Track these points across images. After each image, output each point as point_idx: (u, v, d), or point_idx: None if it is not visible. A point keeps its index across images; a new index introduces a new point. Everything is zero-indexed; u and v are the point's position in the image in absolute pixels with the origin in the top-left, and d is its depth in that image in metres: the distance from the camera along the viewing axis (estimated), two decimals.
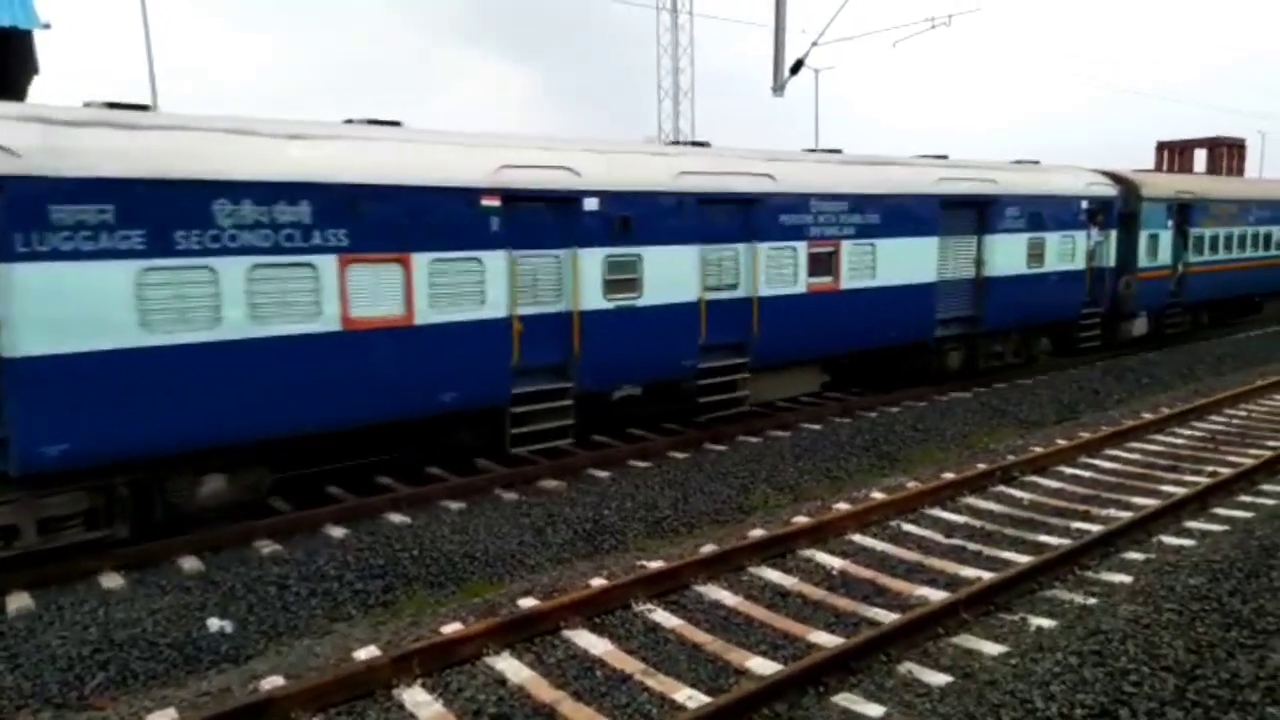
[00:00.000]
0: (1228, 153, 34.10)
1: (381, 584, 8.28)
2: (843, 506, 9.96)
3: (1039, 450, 12.11)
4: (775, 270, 13.15)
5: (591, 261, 11.15)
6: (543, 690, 6.17)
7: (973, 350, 16.85)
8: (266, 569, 8.41)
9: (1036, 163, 18.59)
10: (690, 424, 13.53)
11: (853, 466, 12.11)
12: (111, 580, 8.17)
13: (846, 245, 14.02)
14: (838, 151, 15.68)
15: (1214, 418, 14.20)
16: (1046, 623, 6.92)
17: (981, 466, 11.38)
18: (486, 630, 6.78)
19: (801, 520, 9.49)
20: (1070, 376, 17.98)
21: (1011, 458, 11.78)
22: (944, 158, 16.84)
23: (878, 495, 10.38)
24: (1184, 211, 21.13)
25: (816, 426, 13.92)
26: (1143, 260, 19.91)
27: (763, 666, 6.42)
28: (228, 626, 7.41)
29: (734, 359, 12.97)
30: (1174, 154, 35.96)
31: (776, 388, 14.07)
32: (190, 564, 8.54)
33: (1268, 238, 24.67)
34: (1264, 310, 26.01)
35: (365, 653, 6.69)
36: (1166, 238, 20.49)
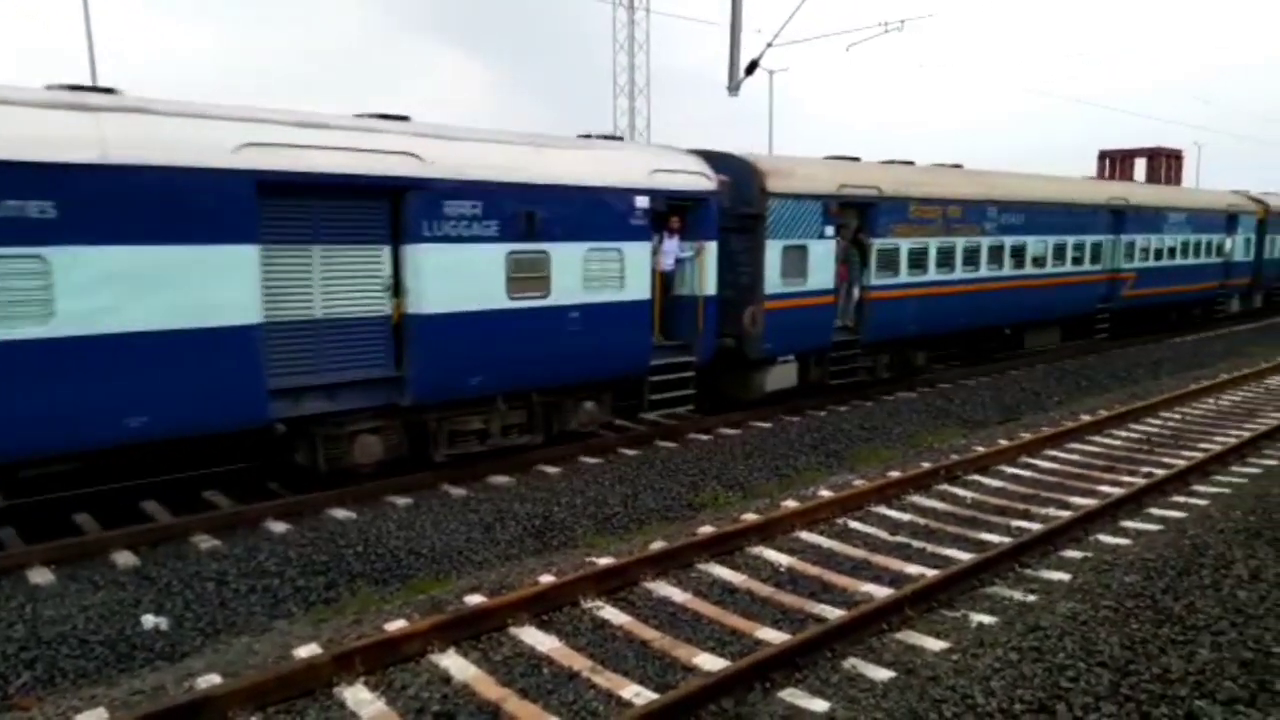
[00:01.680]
0: (1166, 162, 35.16)
1: (324, 580, 8.12)
2: (791, 504, 10.03)
3: (981, 450, 12.34)
4: None
5: None
6: (488, 688, 6.10)
7: (418, 431, 10.67)
8: (204, 565, 8.20)
9: (618, 139, 13.55)
10: (641, 421, 13.47)
11: (801, 464, 12.22)
12: (41, 575, 7.89)
13: None
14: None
15: (1150, 420, 14.61)
16: (987, 619, 7.03)
17: (926, 465, 11.55)
18: (431, 627, 6.68)
19: (750, 518, 9.54)
20: (1012, 378, 18.37)
21: (955, 457, 11.98)
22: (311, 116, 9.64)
23: (825, 493, 10.48)
24: (861, 214, 15.41)
25: (766, 425, 14.01)
26: (773, 284, 13.79)
27: (710, 663, 6.43)
28: (163, 623, 7.21)
29: None
30: (1115, 162, 36.93)
31: None
32: (125, 559, 8.29)
33: (1020, 251, 18.82)
34: (1025, 344, 20.49)
35: (306, 650, 6.54)
36: (825, 250, 14.59)
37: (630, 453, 12.27)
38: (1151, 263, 23.41)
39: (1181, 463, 11.61)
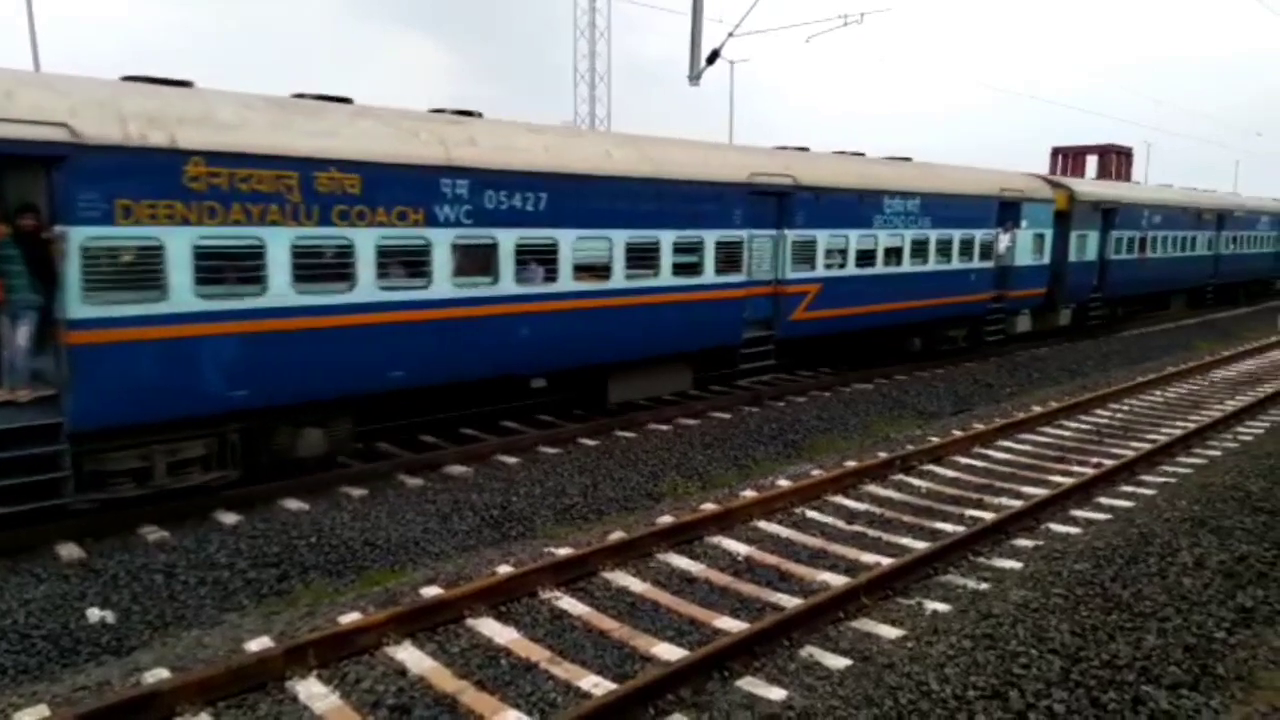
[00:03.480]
0: (1117, 159, 35.85)
1: (276, 572, 7.98)
2: (750, 494, 10.08)
3: (936, 440, 12.50)
4: None
5: None
6: (445, 680, 6.04)
7: None
8: (152, 556, 8.01)
9: None
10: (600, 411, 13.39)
11: (760, 454, 12.27)
12: None
13: None
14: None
15: (1099, 411, 14.92)
16: (942, 607, 7.13)
17: (882, 455, 11.67)
18: (387, 620, 6.60)
19: (709, 507, 9.56)
20: (966, 370, 18.64)
21: (910, 447, 12.12)
22: None
23: (783, 483, 10.54)
24: (47, 177, 8.09)
25: (726, 415, 14.05)
26: None
27: (668, 652, 6.43)
28: (109, 617, 7.02)
29: None
30: (1068, 159, 37.60)
31: None
32: (69, 551, 8.05)
33: (546, 254, 11.55)
34: (613, 395, 13.33)
35: (257, 643, 6.43)
36: None
37: (590, 443, 12.22)
38: (852, 270, 16.09)
39: (1130, 453, 11.87)
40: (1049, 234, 21.33)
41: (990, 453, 12.24)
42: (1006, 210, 19.88)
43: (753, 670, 6.17)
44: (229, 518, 9.01)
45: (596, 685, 5.95)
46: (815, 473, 10.98)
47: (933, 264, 17.97)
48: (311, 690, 5.88)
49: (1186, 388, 17.22)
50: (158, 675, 5.94)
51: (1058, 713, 5.38)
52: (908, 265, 17.37)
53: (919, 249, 17.61)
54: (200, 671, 5.85)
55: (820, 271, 15.52)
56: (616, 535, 8.69)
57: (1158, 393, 16.61)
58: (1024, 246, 20.45)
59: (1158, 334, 25.35)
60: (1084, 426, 13.86)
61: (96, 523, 8.56)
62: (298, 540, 8.53)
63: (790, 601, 7.30)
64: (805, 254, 15.21)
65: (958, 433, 12.99)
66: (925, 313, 18.17)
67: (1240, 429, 13.47)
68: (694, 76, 19.62)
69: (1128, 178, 35.83)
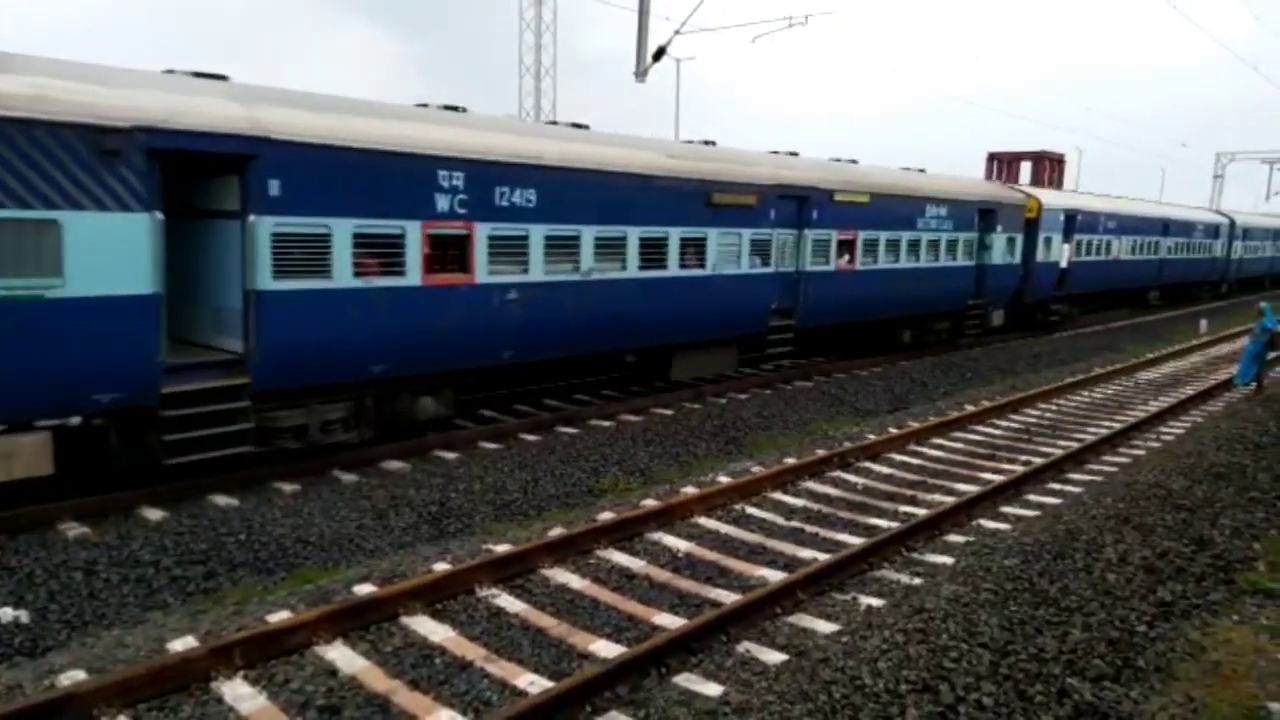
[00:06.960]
0: (1050, 165, 36.75)
1: (203, 570, 7.74)
2: (690, 490, 10.10)
3: (873, 438, 12.69)
4: None
5: None
6: (377, 680, 5.92)
7: None
8: (72, 553, 7.71)
9: None
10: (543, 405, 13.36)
11: (701, 451, 12.32)
12: None
13: None
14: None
15: (1029, 410, 15.31)
16: (876, 602, 7.23)
17: (821, 452, 11.80)
18: (318, 618, 6.44)
19: (650, 503, 9.56)
20: (901, 369, 18.97)
21: (848, 444, 12.28)
22: None
23: (724, 479, 10.59)
24: None
25: (668, 412, 14.07)
26: None
27: (606, 649, 6.41)
28: (23, 616, 6.74)
29: None
30: (1003, 164, 38.47)
31: None
32: None
33: None
34: None
35: (181, 643, 6.23)
36: None
37: (531, 438, 12.13)
38: None
39: (1058, 452, 12.20)
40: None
41: (925, 450, 12.47)
42: None
43: (690, 666, 6.17)
44: (154, 514, 8.71)
45: (533, 684, 5.89)
46: (755, 469, 11.06)
47: None
48: (237, 691, 5.72)
49: (1112, 389, 17.78)
50: (74, 677, 5.71)
51: (986, 705, 5.49)
52: None
53: None
54: (120, 672, 5.64)
55: None
56: (556, 532, 8.63)
57: (1085, 393, 17.11)
58: None
59: (1086, 335, 26.12)
60: (1014, 425, 14.21)
61: (8, 519, 8.21)
62: (226, 537, 8.29)
63: (729, 597, 7.33)
64: None
65: (894, 430, 13.20)
66: None
67: (1163, 429, 13.94)
68: (640, 73, 19.57)
69: (1059, 185, 36.81)
